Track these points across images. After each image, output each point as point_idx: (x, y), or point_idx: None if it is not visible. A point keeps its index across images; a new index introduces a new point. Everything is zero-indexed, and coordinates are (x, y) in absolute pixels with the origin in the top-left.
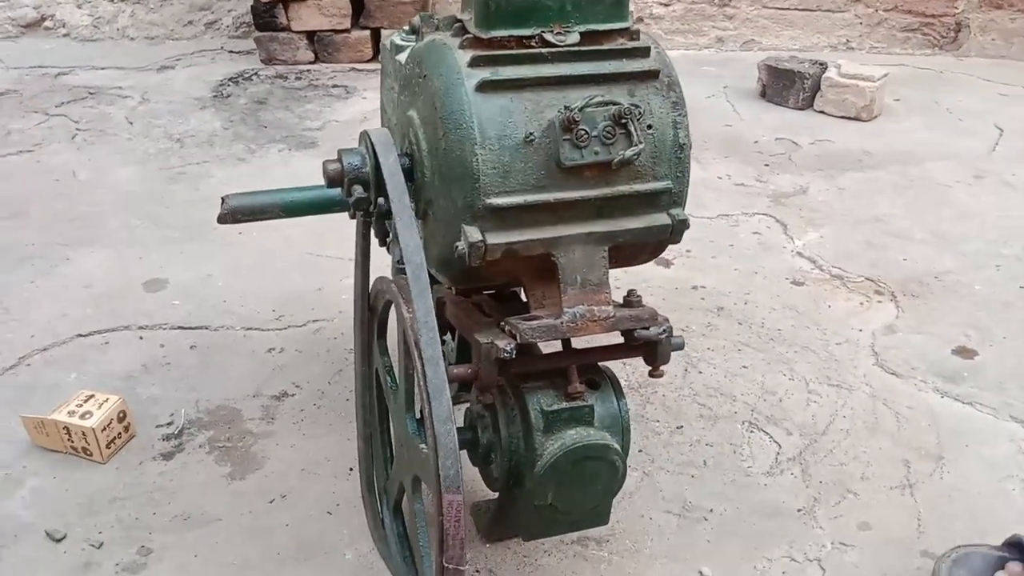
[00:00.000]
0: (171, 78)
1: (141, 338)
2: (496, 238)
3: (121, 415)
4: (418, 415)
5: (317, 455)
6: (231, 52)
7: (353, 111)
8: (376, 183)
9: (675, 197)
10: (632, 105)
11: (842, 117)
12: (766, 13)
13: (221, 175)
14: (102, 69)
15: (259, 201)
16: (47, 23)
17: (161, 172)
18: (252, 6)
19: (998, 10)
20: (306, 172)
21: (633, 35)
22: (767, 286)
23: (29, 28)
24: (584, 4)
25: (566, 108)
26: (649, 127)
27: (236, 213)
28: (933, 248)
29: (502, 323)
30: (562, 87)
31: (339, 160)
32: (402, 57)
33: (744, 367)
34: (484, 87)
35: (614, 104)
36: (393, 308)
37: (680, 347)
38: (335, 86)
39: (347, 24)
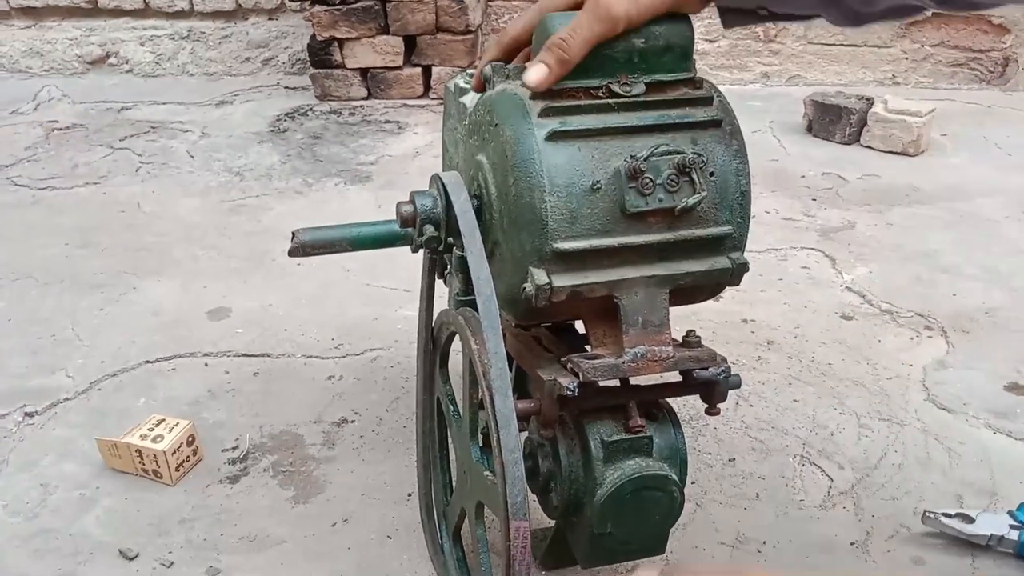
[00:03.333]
0: (230, 113)
1: (206, 365)
2: (562, 280)
3: (190, 439)
4: (482, 443)
5: (376, 480)
6: (287, 88)
7: (405, 146)
8: (446, 223)
9: (735, 241)
10: (695, 154)
11: (889, 152)
12: (811, 49)
13: (280, 208)
14: (163, 104)
15: (328, 236)
16: (111, 60)
17: (222, 204)
18: (308, 44)
19: None
20: (361, 205)
21: (697, 84)
22: (816, 320)
23: (94, 65)
24: (650, 56)
25: (632, 157)
26: (712, 175)
27: (306, 247)
28: (983, 283)
29: (563, 360)
30: (628, 136)
31: (412, 202)
32: (466, 99)
33: (795, 401)
34: (553, 137)
35: (678, 153)
36: (457, 339)
37: (737, 386)
38: (387, 121)
39: (399, 62)
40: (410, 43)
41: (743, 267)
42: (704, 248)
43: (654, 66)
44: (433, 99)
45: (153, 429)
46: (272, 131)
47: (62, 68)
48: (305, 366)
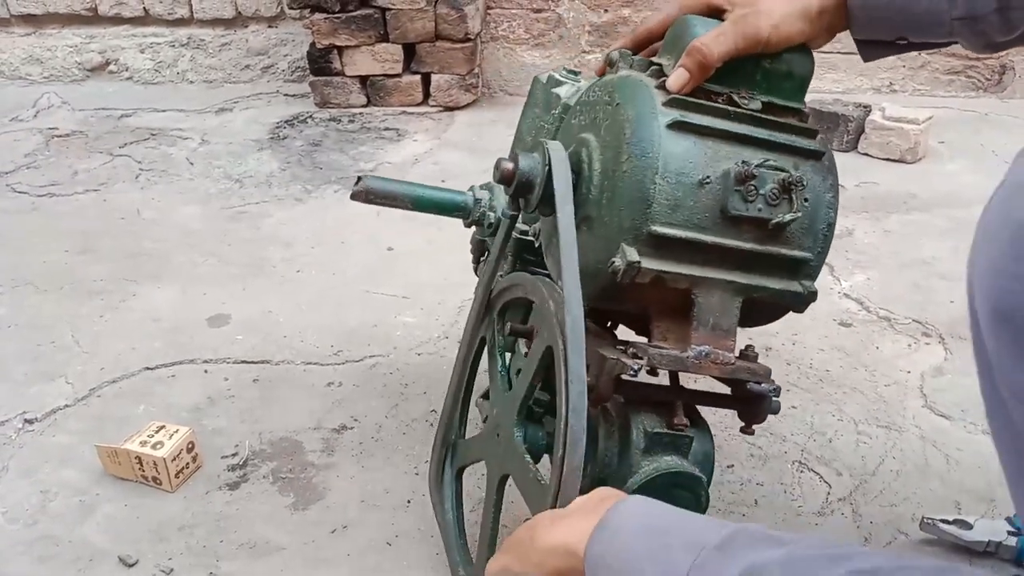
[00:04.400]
0: (229, 120)
1: (206, 371)
2: (650, 263)
3: (190, 446)
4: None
5: (376, 487)
6: (286, 95)
7: (404, 153)
8: (543, 188)
9: (811, 270)
10: (799, 176)
11: (886, 159)
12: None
13: (280, 215)
14: (163, 111)
15: (392, 188)
16: (111, 67)
17: (222, 211)
18: (308, 52)
19: None
20: (361, 212)
21: (803, 117)
22: (815, 327)
23: (94, 72)
24: (773, 78)
25: (744, 163)
26: (806, 200)
27: (369, 193)
28: None
29: (623, 345)
30: (739, 144)
31: (515, 160)
32: (561, 91)
33: (793, 407)
34: (675, 126)
35: (784, 171)
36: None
37: (776, 411)
38: (387, 129)
39: (399, 69)
40: (409, 51)
41: (812, 296)
42: (784, 268)
43: (773, 88)
44: (432, 106)
45: (153, 436)
46: (272, 138)
47: (62, 75)
48: (305, 373)
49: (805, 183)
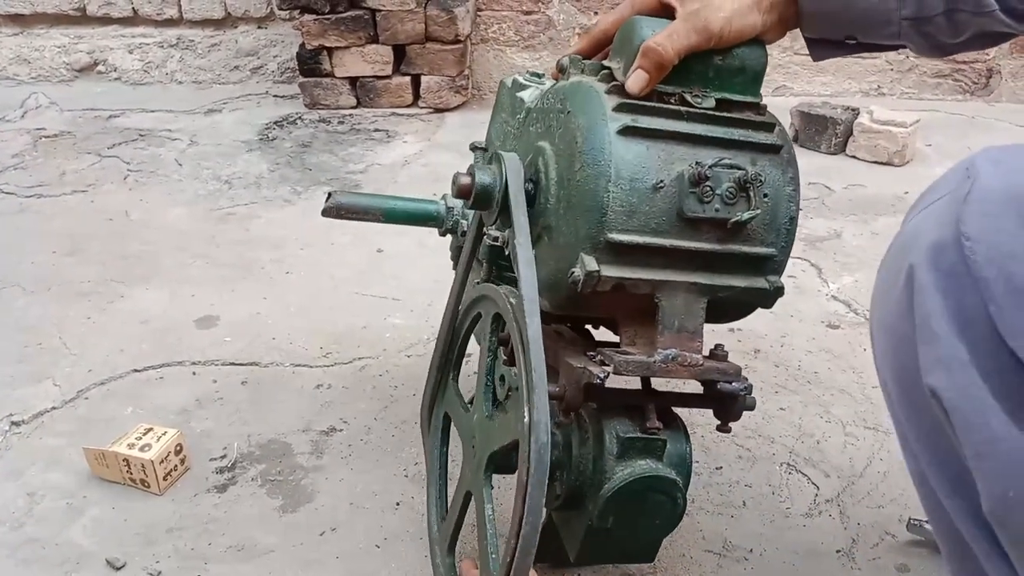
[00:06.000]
0: (218, 121)
1: (194, 374)
2: (610, 271)
3: (178, 448)
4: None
5: (365, 489)
6: (276, 96)
7: (394, 155)
8: (502, 201)
9: (777, 265)
10: (756, 172)
11: (874, 162)
12: (797, 60)
13: (269, 216)
14: (152, 112)
15: (363, 203)
16: (99, 68)
17: (211, 212)
18: (297, 53)
19: None
20: None
21: (761, 110)
22: (803, 329)
23: (83, 72)
24: (725, 74)
25: (697, 164)
26: (766, 196)
27: (341, 209)
28: None
29: (591, 352)
30: (694, 145)
31: (471, 174)
32: (525, 95)
33: (781, 409)
34: (626, 132)
35: (740, 169)
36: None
37: (752, 407)
38: (376, 130)
39: (389, 71)
40: (399, 52)
41: (779, 291)
42: (748, 265)
43: (726, 84)
44: (422, 108)
45: (141, 438)
46: (261, 139)
47: (50, 75)
48: (293, 375)
49: (763, 179)
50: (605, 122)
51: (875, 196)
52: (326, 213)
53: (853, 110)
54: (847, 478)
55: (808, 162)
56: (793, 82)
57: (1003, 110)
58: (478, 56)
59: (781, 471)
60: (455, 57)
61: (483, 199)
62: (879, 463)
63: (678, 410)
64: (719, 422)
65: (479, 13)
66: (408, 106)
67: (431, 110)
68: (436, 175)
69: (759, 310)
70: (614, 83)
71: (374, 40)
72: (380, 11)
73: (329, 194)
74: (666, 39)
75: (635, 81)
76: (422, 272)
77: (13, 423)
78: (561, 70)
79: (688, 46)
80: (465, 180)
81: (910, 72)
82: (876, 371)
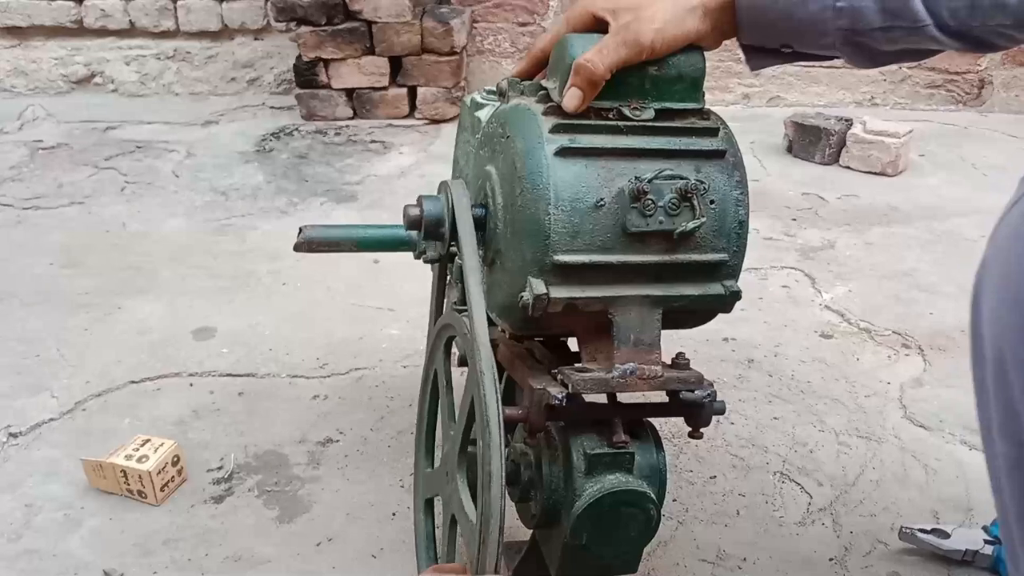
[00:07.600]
0: (215, 133)
1: (191, 385)
2: (559, 292)
3: (175, 459)
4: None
5: (361, 500)
6: (272, 108)
7: (391, 166)
8: (451, 230)
9: (730, 269)
10: (698, 181)
11: (868, 172)
12: (791, 70)
13: (266, 227)
14: (149, 124)
15: (334, 234)
16: (96, 79)
17: (208, 224)
18: (294, 64)
19: (1021, 67)
20: None
21: (704, 115)
22: (796, 339)
23: (79, 84)
24: (662, 84)
25: (636, 179)
26: (712, 202)
27: (312, 243)
28: (960, 302)
29: (554, 372)
30: (634, 159)
31: (419, 206)
32: (481, 114)
33: (775, 418)
34: (562, 152)
35: (681, 178)
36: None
37: (721, 411)
38: (373, 141)
39: (385, 82)
40: (395, 64)
41: (736, 295)
42: (700, 273)
43: (665, 94)
44: (419, 119)
45: (138, 449)
46: (258, 151)
47: (47, 87)
48: (290, 386)
49: (707, 186)
50: (542, 144)
51: (868, 206)
52: (298, 248)
53: (846, 120)
54: (840, 487)
55: (802, 172)
56: (787, 93)
57: (996, 120)
58: (474, 67)
59: (774, 480)
60: (451, 68)
61: (434, 229)
62: (872, 472)
63: (656, 420)
64: (690, 429)
65: (475, 25)
66: (404, 117)
67: (427, 121)
68: (433, 186)
69: (752, 320)
70: (550, 104)
71: (370, 52)
72: (376, 23)
73: (300, 229)
74: (596, 55)
75: (570, 99)
76: (418, 283)
77: (11, 434)
78: (501, 93)
79: (618, 60)
80: (414, 212)
81: (903, 83)
82: (982, 346)
